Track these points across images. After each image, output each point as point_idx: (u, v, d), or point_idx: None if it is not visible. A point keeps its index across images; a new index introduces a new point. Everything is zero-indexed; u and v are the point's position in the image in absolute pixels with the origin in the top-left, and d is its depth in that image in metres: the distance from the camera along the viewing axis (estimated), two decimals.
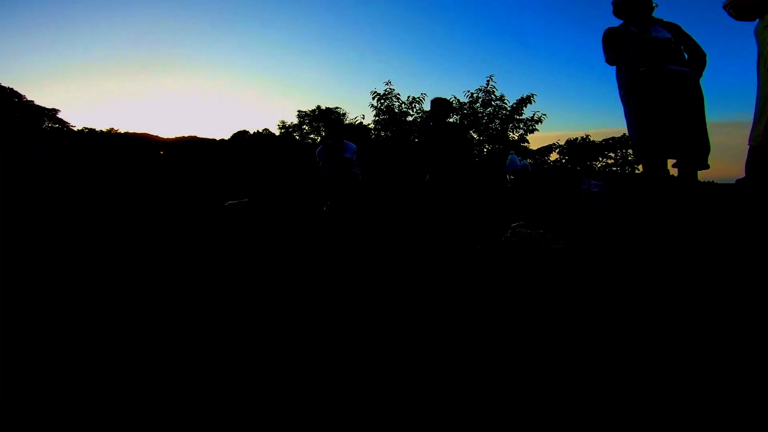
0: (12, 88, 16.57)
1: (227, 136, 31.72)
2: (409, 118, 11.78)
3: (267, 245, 5.69)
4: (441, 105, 5.33)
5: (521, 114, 11.33)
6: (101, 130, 24.44)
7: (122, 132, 29.64)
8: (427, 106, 13.67)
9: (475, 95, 11.23)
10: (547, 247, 2.90)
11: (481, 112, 11.32)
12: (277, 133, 29.48)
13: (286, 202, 8.38)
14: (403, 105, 11.49)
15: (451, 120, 5.58)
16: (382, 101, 11.55)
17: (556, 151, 13.87)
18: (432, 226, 5.22)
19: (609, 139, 30.27)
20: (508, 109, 11.24)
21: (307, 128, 28.04)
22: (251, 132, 29.89)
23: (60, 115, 19.04)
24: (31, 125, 18.27)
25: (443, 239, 4.62)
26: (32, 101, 17.39)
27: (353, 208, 6.40)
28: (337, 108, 26.56)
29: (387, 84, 11.85)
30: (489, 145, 11.26)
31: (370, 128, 11.87)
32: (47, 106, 18.39)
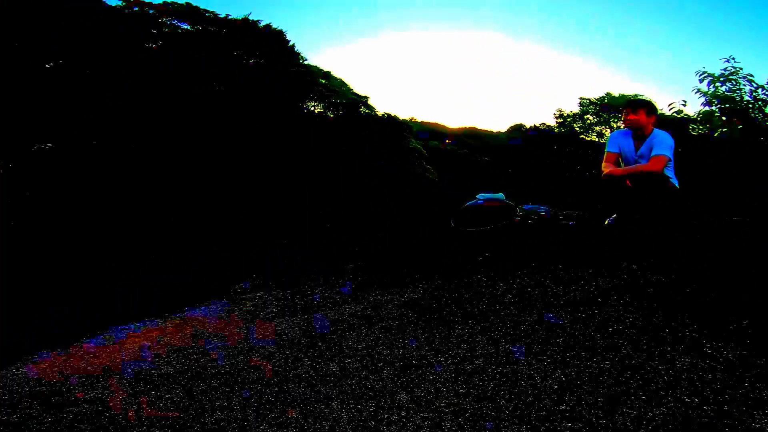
0: (341, 79, 20.67)
1: (504, 128, 30.94)
2: None
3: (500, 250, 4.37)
4: None
5: None
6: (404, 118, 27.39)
7: (419, 121, 33.16)
8: None
9: None
10: None
11: None
12: (553, 123, 26.52)
13: (555, 204, 6.70)
14: (761, 90, 7.52)
15: None
16: (718, 85, 7.93)
17: None
18: None
19: None
20: None
21: (591, 119, 23.81)
22: (528, 126, 28.02)
23: (370, 102, 22.30)
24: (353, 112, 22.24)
25: None
26: (352, 89, 21.06)
27: (661, 230, 4.12)
28: (636, 96, 21.48)
29: (728, 61, 7.96)
30: None
31: (695, 120, 8.32)
32: (361, 94, 21.78)
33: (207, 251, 8.93)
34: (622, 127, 4.90)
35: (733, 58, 7.67)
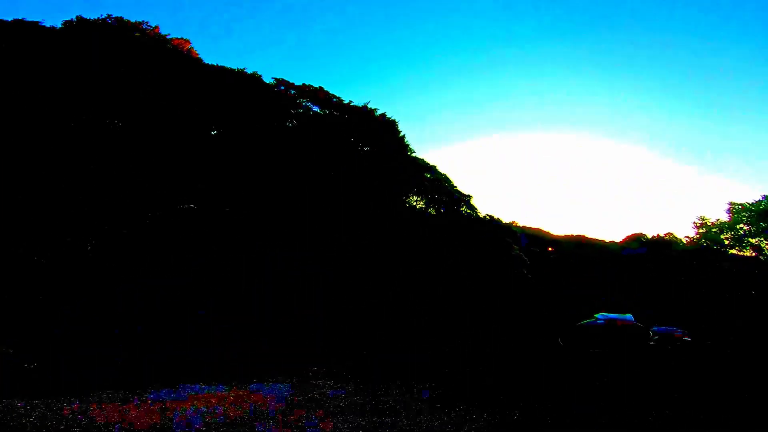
0: (446, 175, 21.03)
1: (619, 238, 27.92)
2: None
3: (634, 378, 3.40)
4: None
5: None
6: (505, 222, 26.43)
7: (520, 225, 31.78)
8: None
9: None
10: None
11: None
12: (691, 234, 22.90)
13: (693, 328, 5.32)
14: None
15: None
16: None
17: None
18: None
19: None
20: None
21: (745, 229, 19.55)
22: (648, 236, 24.86)
23: (473, 202, 22.04)
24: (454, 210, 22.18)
25: None
26: (455, 186, 21.16)
27: None
28: None
29: None
30: None
31: None
32: (464, 192, 21.70)
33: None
34: None
35: None
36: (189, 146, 13.13)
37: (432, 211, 21.48)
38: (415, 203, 21.33)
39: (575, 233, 30.60)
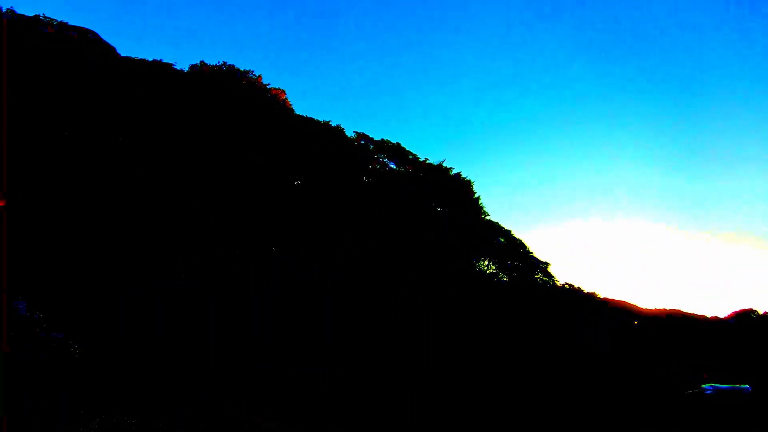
0: (521, 240, 20.58)
1: (724, 315, 24.78)
2: None
3: None
4: None
5: None
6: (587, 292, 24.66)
7: (601, 297, 29.50)
8: None
9: None
10: None
11: None
12: None
13: None
14: None
15: None
16: None
17: None
18: None
19: None
20: None
21: None
22: (760, 312, 21.72)
23: (550, 269, 21.13)
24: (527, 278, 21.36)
25: None
26: (531, 252, 20.57)
27: None
28: None
29: None
30: None
31: None
32: (541, 259, 20.95)
33: None
34: None
35: None
36: (280, 196, 14.50)
37: (503, 276, 20.84)
38: (485, 267, 20.90)
39: (669, 308, 27.89)
